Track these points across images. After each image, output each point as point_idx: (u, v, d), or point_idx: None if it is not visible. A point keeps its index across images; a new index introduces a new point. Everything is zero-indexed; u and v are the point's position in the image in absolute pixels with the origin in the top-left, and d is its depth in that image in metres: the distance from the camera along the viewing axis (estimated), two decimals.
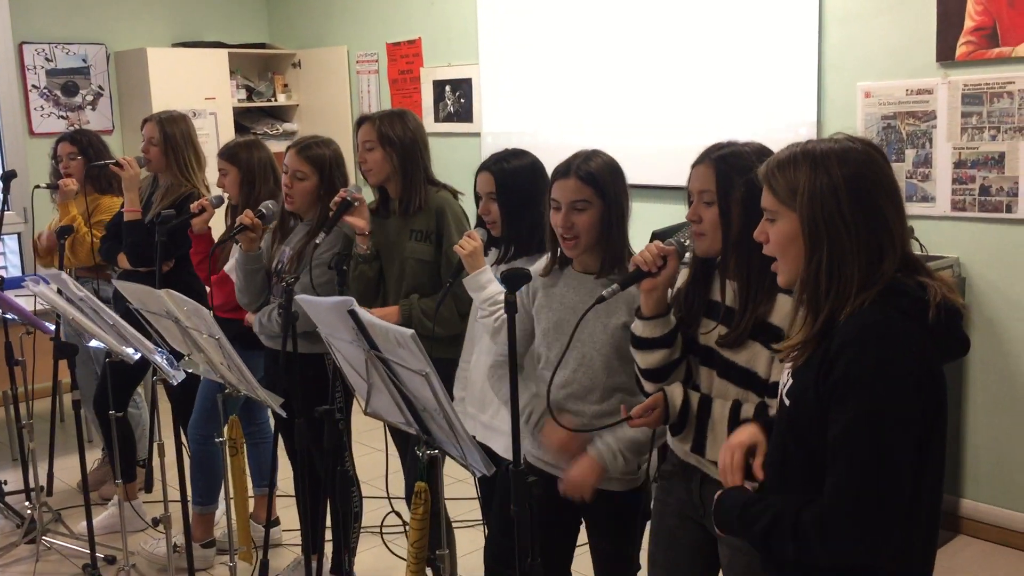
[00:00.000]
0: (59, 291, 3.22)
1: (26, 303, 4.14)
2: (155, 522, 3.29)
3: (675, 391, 2.14)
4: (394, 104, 6.20)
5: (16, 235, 6.08)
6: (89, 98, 6.36)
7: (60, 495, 4.52)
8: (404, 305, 3.01)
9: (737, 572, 2.15)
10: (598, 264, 2.43)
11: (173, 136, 3.96)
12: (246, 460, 2.98)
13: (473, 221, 2.94)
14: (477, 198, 2.79)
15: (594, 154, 2.43)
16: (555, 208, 2.40)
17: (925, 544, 1.69)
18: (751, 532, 1.68)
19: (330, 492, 3.23)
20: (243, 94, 6.76)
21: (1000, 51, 3.68)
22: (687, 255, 2.18)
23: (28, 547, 3.98)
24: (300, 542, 3.78)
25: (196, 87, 6.28)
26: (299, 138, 3.39)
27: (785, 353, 1.73)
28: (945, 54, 3.83)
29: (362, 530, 3.49)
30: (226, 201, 3.71)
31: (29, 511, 4.06)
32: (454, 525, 3.43)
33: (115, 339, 3.06)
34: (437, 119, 5.97)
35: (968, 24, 3.75)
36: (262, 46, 6.92)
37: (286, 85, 6.95)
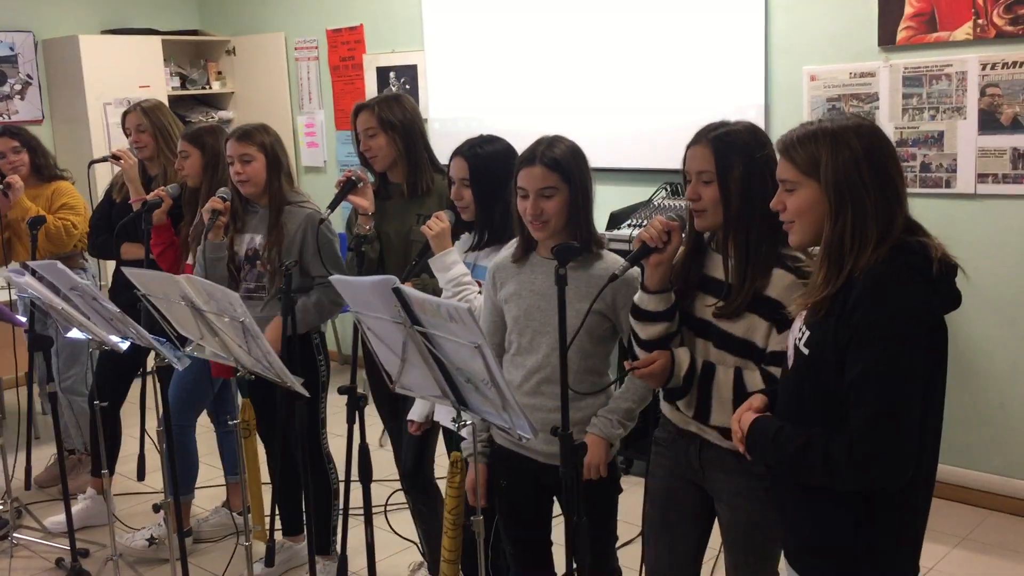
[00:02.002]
0: (39, 278, 3.18)
1: None
2: (156, 508, 3.31)
3: (683, 354, 2.22)
4: (336, 91, 6.20)
5: None
6: (17, 87, 6.17)
7: (20, 490, 4.44)
8: (418, 284, 3.07)
9: (738, 532, 2.29)
10: None
11: (160, 121, 3.98)
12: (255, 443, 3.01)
13: None
14: (450, 183, 2.84)
15: (557, 140, 2.49)
16: (522, 196, 2.45)
17: (927, 475, 1.89)
18: (783, 452, 1.88)
19: (314, 473, 3.27)
20: (177, 82, 6.65)
21: (938, 36, 3.93)
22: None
23: None
24: (280, 527, 3.82)
25: (130, 75, 6.16)
26: (235, 128, 3.43)
27: (802, 304, 1.91)
28: (886, 39, 4.07)
29: (351, 511, 3.54)
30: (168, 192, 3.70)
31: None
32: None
33: (105, 329, 3.05)
34: None
35: (908, 10, 3.99)
36: (194, 32, 6.82)
37: (220, 72, 6.85)
